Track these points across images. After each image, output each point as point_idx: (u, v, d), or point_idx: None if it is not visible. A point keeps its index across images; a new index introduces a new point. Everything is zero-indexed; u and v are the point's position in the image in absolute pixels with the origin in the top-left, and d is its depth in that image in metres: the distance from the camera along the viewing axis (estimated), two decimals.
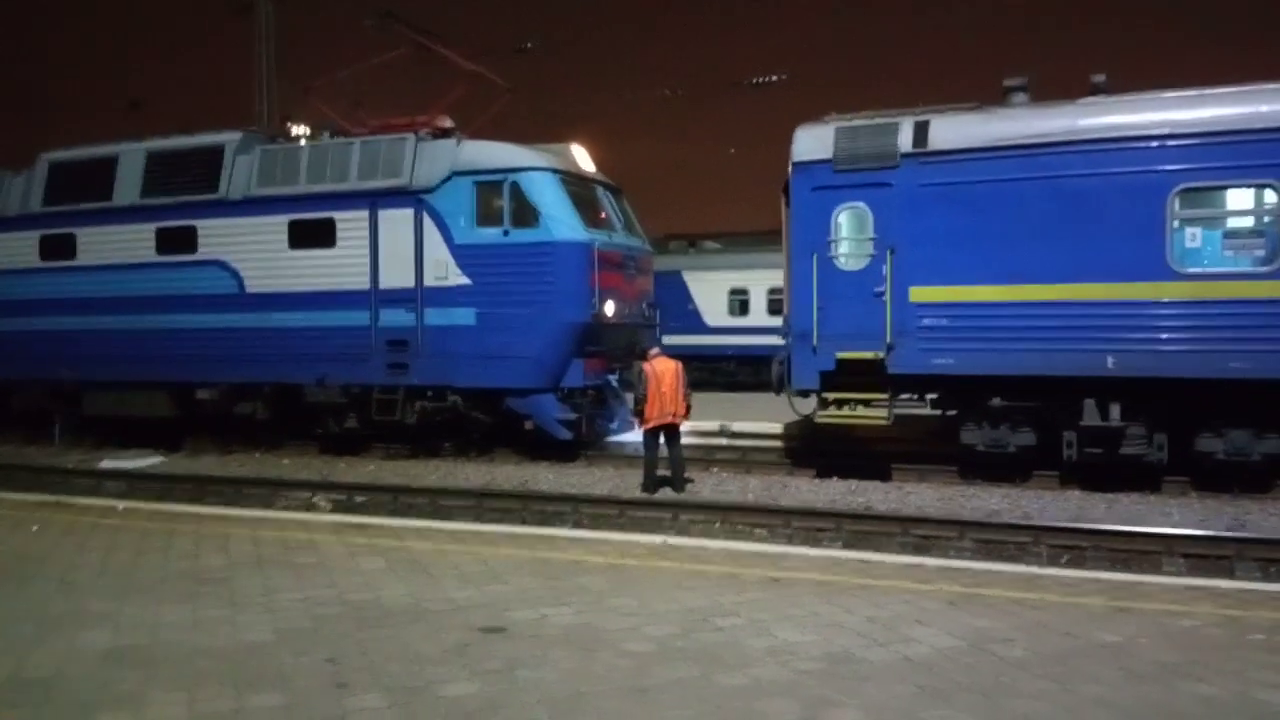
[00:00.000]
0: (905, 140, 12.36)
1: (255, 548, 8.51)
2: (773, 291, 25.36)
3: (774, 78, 24.67)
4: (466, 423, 15.23)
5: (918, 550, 9.42)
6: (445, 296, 14.61)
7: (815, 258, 12.74)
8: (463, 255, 14.53)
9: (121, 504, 11.08)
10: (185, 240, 16.26)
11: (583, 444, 15.08)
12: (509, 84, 16.86)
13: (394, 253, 14.89)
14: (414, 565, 7.78)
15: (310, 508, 12.12)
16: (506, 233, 14.32)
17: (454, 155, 14.74)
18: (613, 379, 15.24)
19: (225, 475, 14.46)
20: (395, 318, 14.89)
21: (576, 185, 14.86)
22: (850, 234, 12.80)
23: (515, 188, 14.31)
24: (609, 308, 14.44)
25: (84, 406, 17.33)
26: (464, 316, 14.50)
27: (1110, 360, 11.40)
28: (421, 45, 16.62)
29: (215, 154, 16.24)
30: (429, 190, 14.72)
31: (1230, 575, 8.39)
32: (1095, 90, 12.19)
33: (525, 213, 14.25)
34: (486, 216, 14.48)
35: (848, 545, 9.66)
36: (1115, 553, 9.21)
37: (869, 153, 12.50)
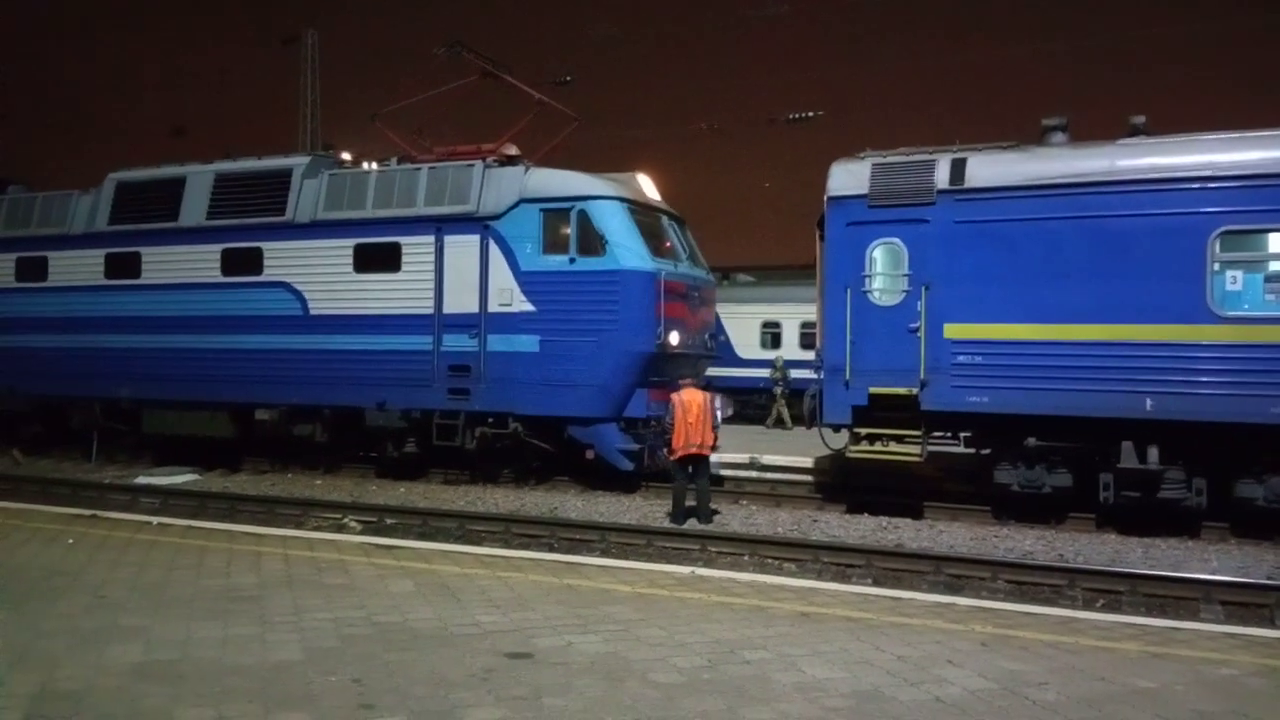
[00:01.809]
0: (942, 177, 12.35)
1: (286, 566, 8.56)
2: (805, 325, 25.31)
3: (810, 114, 24.75)
4: (527, 450, 15.14)
5: (950, 590, 9.29)
6: (509, 323, 14.62)
7: (849, 292, 12.72)
8: (528, 282, 14.57)
9: (156, 520, 11.20)
10: (251, 262, 16.45)
11: (643, 475, 14.91)
12: (576, 115, 16.97)
13: (459, 278, 14.97)
14: (442, 589, 7.79)
15: (341, 528, 12.18)
16: (573, 260, 14.35)
17: (522, 183, 14.83)
18: None
19: (258, 494, 14.58)
20: (458, 343, 14.93)
21: (643, 215, 14.87)
22: (885, 269, 12.78)
23: (583, 216, 14.35)
24: (673, 337, 14.36)
25: (144, 425, 17.45)
26: (527, 343, 14.50)
27: (1148, 402, 11.25)
28: (489, 74, 16.80)
29: (283, 177, 16.45)
30: (496, 217, 14.80)
31: (1270, 624, 8.20)
32: (1135, 131, 12.13)
33: (592, 241, 14.28)
34: (553, 244, 14.53)
35: (878, 582, 9.57)
36: (1152, 598, 9.05)
37: (905, 189, 12.50)
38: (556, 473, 15.61)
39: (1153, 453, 11.46)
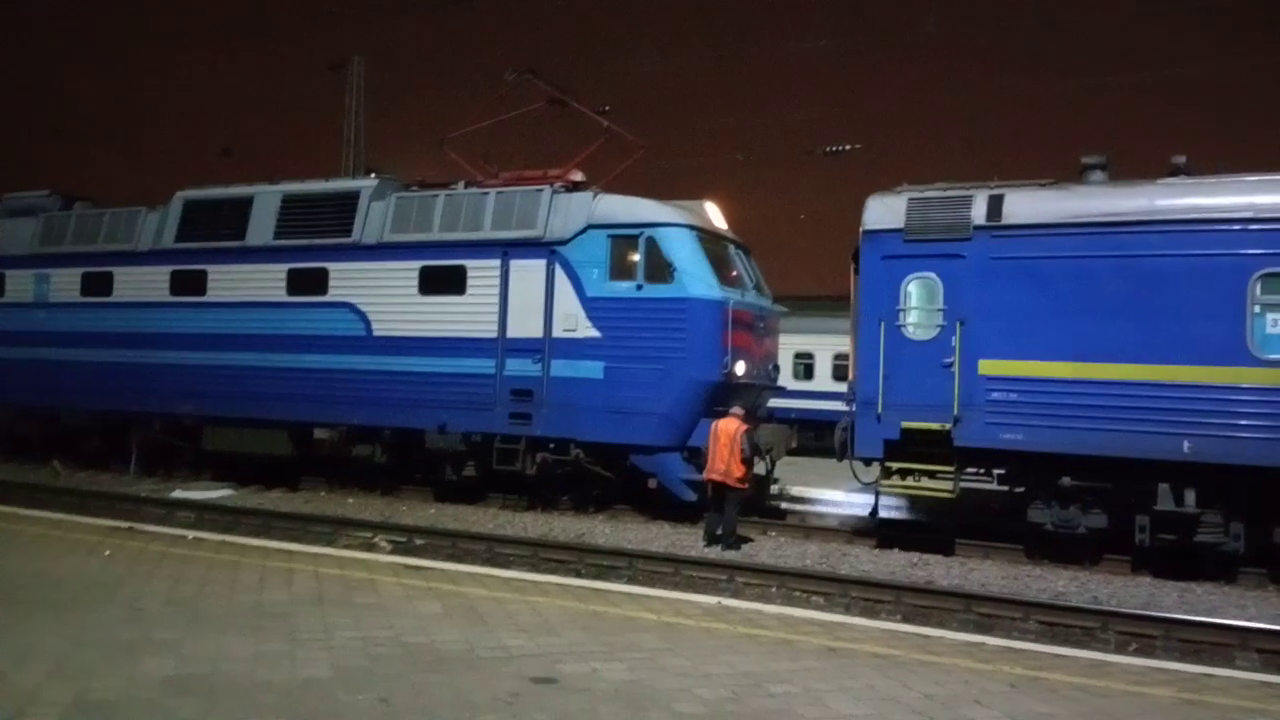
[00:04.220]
0: (979, 213, 12.34)
1: (317, 584, 8.65)
2: (838, 357, 25.25)
3: (847, 147, 24.73)
4: (587, 477, 15.02)
5: (979, 629, 9.20)
6: (573, 348, 14.57)
7: (883, 326, 12.70)
8: (594, 308, 14.52)
9: (191, 534, 11.35)
10: (316, 282, 16.55)
11: (706, 506, 14.90)
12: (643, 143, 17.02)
13: (524, 302, 14.94)
14: (469, 611, 7.83)
15: (371, 548, 12.27)
16: (640, 287, 14.29)
17: (590, 208, 14.82)
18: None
19: (291, 511, 14.73)
20: (521, 367, 14.87)
21: (711, 243, 14.80)
22: (919, 304, 12.75)
23: (651, 243, 14.29)
24: (739, 367, 14.20)
25: (204, 442, 17.54)
26: (591, 369, 14.42)
27: (1186, 444, 11.11)
28: (557, 101, 16.91)
29: (350, 199, 16.58)
30: (562, 242, 14.78)
31: None
32: (1175, 171, 12.07)
33: (660, 268, 14.21)
34: (620, 270, 14.47)
35: (907, 619, 9.49)
36: (1186, 643, 8.90)
37: (941, 224, 12.49)
38: (617, 501, 15.39)
39: (1190, 495, 11.30)
